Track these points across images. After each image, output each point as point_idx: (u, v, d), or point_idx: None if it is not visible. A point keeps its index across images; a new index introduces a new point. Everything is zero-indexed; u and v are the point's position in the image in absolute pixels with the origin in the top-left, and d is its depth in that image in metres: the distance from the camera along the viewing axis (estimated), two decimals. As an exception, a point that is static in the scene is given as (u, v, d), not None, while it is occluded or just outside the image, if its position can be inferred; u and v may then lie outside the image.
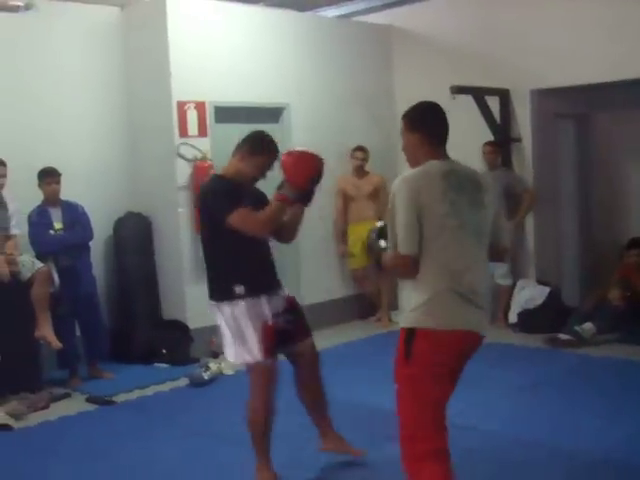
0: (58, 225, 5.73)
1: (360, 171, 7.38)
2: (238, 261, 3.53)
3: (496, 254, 3.06)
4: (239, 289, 3.48)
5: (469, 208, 2.82)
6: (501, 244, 3.10)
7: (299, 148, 3.69)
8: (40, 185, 5.70)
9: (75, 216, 5.84)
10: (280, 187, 3.49)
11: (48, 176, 5.68)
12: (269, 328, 3.50)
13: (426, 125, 2.89)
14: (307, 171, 3.47)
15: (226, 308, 3.52)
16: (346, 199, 7.44)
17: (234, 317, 3.50)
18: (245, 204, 3.45)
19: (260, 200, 3.64)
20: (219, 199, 3.49)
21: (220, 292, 3.56)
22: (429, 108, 2.96)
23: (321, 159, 3.53)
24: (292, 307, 3.74)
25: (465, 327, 2.79)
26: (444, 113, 2.95)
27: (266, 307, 3.53)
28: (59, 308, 5.54)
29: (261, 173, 3.65)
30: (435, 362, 2.77)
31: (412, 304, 2.78)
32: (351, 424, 4.23)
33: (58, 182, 5.73)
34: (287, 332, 3.61)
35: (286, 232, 3.69)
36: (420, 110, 2.96)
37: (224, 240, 3.51)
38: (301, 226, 3.71)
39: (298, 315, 3.75)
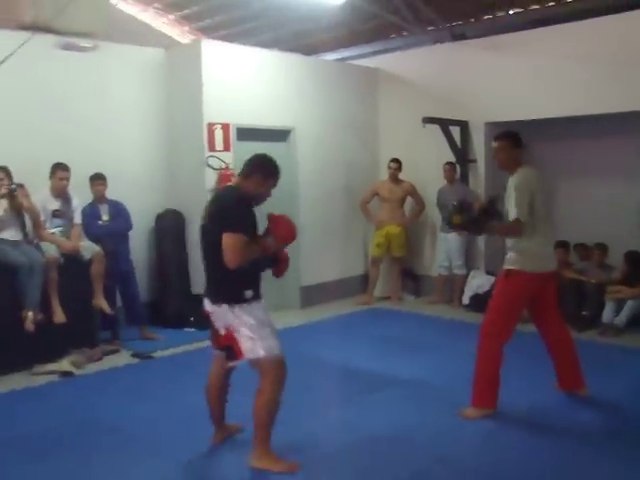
0: (105, 217, 5.91)
1: (394, 178, 7.46)
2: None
3: None
4: None
5: None
6: None
7: (283, 216, 3.40)
8: (91, 186, 5.88)
9: (118, 211, 5.99)
10: (264, 236, 3.27)
11: (97, 179, 5.89)
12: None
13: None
14: (292, 234, 3.32)
15: None
16: (380, 200, 7.49)
17: None
18: (253, 230, 3.23)
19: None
20: (238, 213, 3.16)
21: None
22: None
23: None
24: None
25: None
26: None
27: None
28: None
29: (268, 195, 3.37)
30: None
31: None
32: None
33: (104, 184, 5.90)
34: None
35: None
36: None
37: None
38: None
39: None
